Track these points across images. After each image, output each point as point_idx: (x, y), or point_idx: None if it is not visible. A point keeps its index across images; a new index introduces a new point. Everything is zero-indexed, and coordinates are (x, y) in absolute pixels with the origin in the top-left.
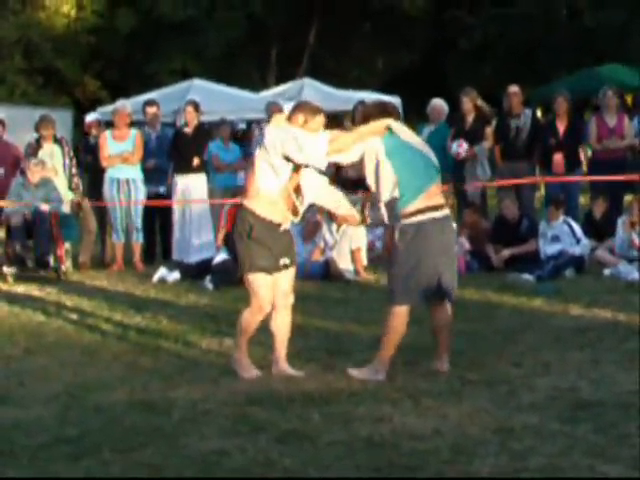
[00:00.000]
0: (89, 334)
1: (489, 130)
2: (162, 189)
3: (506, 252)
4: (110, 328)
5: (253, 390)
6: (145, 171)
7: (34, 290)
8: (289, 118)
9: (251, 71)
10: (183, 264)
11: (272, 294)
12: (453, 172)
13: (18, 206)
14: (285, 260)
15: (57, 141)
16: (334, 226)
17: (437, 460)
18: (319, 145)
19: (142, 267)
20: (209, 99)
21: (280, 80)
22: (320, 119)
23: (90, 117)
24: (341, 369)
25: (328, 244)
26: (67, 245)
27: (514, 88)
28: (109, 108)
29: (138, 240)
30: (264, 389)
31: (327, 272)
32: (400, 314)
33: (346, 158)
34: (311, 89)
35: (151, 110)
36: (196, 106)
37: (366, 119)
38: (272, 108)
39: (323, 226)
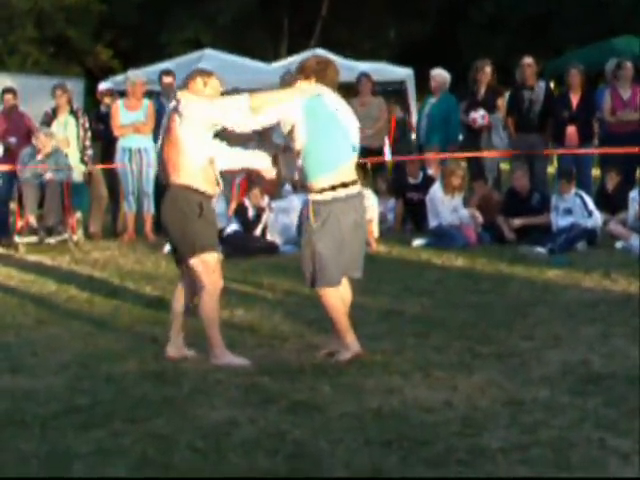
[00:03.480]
0: (100, 304)
1: (501, 102)
2: None
3: (517, 221)
4: (121, 298)
5: (263, 361)
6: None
7: (45, 260)
8: (188, 85)
9: (263, 41)
10: None
11: None
12: (466, 143)
13: (30, 175)
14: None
15: (73, 112)
16: None
17: (447, 432)
18: (240, 105)
19: (153, 237)
20: (221, 69)
21: (292, 51)
22: (216, 81)
23: (102, 86)
24: None
25: None
26: (78, 214)
27: (528, 59)
28: (121, 77)
29: (149, 210)
30: (274, 360)
31: None
32: (329, 294)
33: (265, 119)
34: None
35: (167, 80)
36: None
37: (303, 72)
38: (288, 78)
39: None
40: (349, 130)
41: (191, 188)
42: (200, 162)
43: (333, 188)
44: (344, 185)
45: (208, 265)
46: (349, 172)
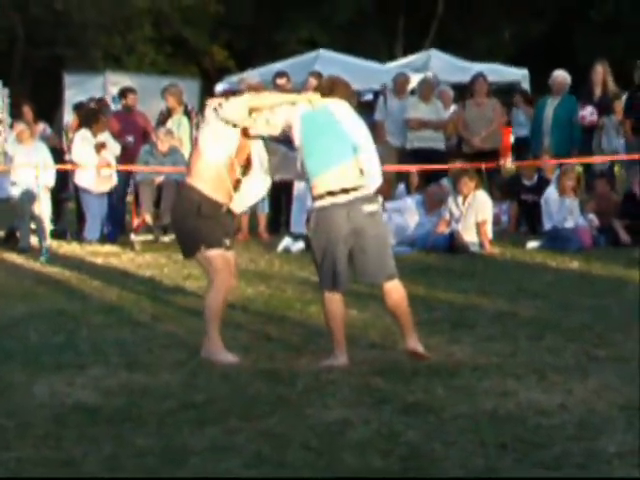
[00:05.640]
0: None
1: (618, 104)
2: None
3: None
4: (235, 297)
5: (377, 361)
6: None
7: (161, 258)
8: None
9: (378, 41)
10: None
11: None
12: (581, 145)
13: (147, 174)
14: (227, 241)
15: (186, 112)
16: (460, 198)
17: (563, 436)
18: (239, 101)
19: (267, 237)
20: (336, 69)
21: (407, 51)
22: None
23: (220, 87)
24: (465, 342)
25: (454, 216)
26: None
27: None
28: (236, 78)
29: (263, 210)
30: (387, 361)
31: (452, 244)
32: (329, 298)
33: (269, 129)
34: (438, 60)
35: (280, 82)
36: (319, 78)
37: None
38: (400, 79)
39: (449, 198)
40: (351, 133)
41: (196, 190)
42: (216, 164)
43: (322, 196)
44: (336, 193)
45: (212, 261)
46: (343, 178)
